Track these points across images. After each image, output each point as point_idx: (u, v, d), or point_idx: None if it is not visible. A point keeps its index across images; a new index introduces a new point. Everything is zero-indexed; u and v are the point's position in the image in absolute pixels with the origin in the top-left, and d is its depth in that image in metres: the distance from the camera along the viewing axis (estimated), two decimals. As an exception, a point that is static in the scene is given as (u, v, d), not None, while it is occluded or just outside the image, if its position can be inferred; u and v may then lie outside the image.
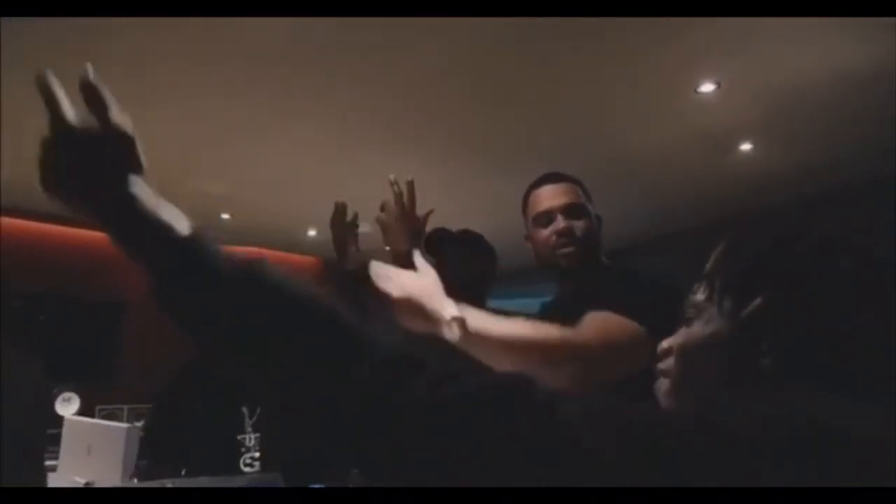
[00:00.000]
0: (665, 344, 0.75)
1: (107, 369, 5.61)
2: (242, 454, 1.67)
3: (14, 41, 2.80)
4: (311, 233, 5.99)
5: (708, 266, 0.74)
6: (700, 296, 0.72)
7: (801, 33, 2.95)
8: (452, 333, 1.07)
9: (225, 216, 5.44)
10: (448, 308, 1.09)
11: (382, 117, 3.81)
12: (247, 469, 1.64)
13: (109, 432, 1.97)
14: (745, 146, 4.12)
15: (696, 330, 0.71)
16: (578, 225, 1.51)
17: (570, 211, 1.52)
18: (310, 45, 3.02)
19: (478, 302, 1.68)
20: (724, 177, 4.52)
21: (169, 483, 1.16)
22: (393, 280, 1.11)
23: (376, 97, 3.56)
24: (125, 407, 5.29)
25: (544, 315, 1.57)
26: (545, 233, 1.53)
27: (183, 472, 1.08)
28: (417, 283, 1.13)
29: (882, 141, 3.94)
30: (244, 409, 1.78)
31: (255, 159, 4.39)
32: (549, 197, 1.55)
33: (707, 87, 3.39)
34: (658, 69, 3.26)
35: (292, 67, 3.22)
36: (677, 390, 0.72)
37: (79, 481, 1.63)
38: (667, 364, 0.74)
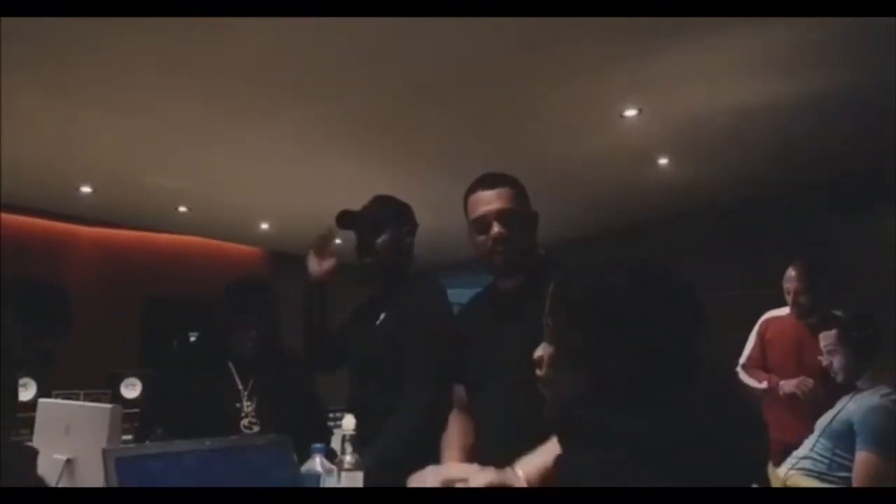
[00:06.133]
0: (537, 353, 0.97)
1: (59, 354, 5.65)
2: (242, 418, 1.99)
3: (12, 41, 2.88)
4: (264, 226, 6.25)
5: (547, 301, 0.95)
6: (549, 322, 0.95)
7: (709, 72, 3.46)
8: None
9: (182, 209, 5.64)
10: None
11: (340, 126, 4.13)
12: (246, 431, 1.96)
13: (92, 412, 2.15)
14: (663, 161, 4.67)
15: (552, 350, 0.94)
16: (512, 230, 1.62)
17: (504, 217, 1.62)
18: (276, 56, 3.28)
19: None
20: (642, 186, 5.07)
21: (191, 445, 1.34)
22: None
23: (335, 107, 3.87)
24: (81, 392, 5.40)
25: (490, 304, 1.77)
26: (482, 238, 1.65)
27: (207, 444, 1.30)
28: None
29: (770, 162, 4.61)
30: (238, 381, 2.06)
31: (215, 159, 4.63)
32: (485, 202, 1.64)
33: (630, 112, 3.89)
34: (591, 95, 3.73)
35: (258, 75, 3.48)
36: (547, 387, 0.96)
37: (60, 458, 1.74)
38: (541, 370, 0.96)
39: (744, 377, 3.19)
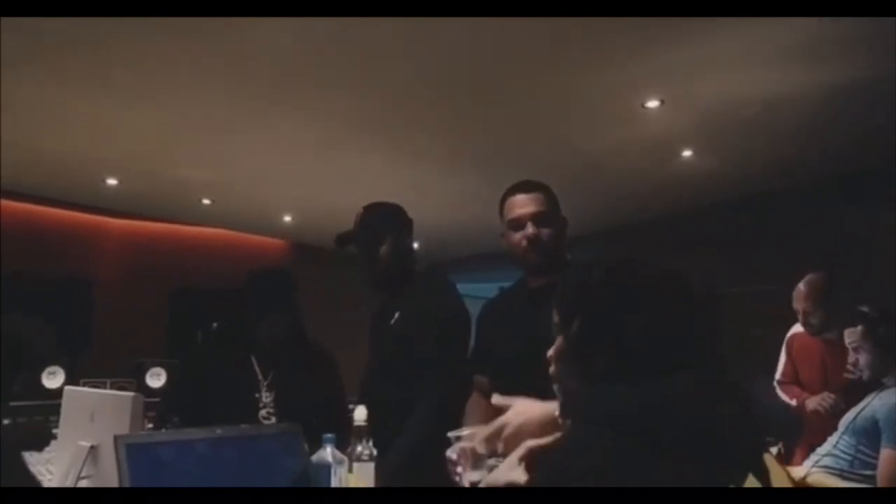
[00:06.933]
0: (550, 353, 1.02)
1: (86, 345, 5.77)
2: (260, 409, 2.03)
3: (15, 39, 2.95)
4: (287, 218, 6.31)
5: (556, 298, 1.00)
6: (556, 318, 1.00)
7: (732, 63, 3.40)
8: None
9: (206, 201, 5.71)
10: None
11: (361, 120, 4.14)
12: (265, 421, 2.00)
13: (114, 400, 2.21)
14: (686, 153, 4.61)
15: (558, 344, 0.99)
16: (545, 231, 1.77)
17: (538, 219, 1.77)
18: (298, 51, 3.30)
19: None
20: (664, 177, 5.02)
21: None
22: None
23: (357, 101, 3.89)
24: (107, 381, 5.50)
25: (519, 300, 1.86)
26: (517, 237, 1.78)
27: (218, 432, 1.32)
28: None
29: (792, 156, 4.53)
30: (258, 373, 2.12)
31: (238, 152, 4.68)
32: (521, 205, 1.79)
33: (652, 104, 3.84)
34: (611, 86, 3.69)
35: (280, 70, 3.51)
36: (556, 383, 1.01)
37: (84, 445, 1.73)
38: (551, 370, 1.02)
39: (779, 393, 3.15)
